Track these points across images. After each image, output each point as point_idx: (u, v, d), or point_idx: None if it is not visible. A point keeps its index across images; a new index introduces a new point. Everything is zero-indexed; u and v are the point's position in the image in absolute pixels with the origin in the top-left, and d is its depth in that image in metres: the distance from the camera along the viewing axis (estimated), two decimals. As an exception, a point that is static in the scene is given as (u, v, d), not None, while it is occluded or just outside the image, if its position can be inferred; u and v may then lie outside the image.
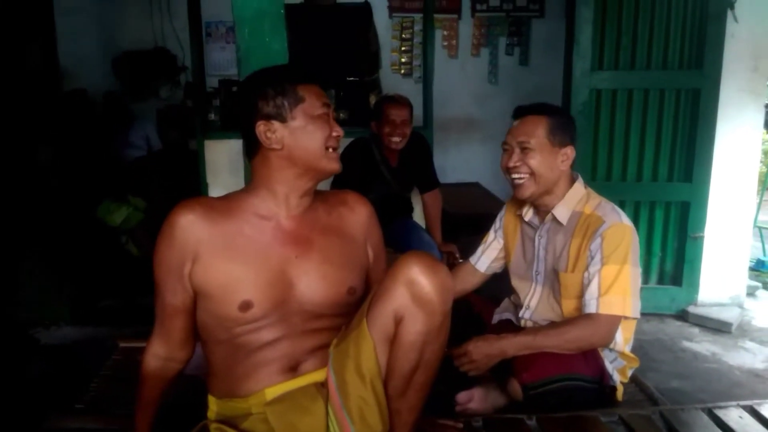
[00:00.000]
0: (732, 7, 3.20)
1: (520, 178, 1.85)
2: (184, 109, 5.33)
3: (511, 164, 1.85)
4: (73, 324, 3.29)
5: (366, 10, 5.57)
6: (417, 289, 1.22)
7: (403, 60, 5.89)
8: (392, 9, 5.78)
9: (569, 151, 1.85)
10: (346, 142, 3.15)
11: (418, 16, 5.44)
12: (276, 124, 1.33)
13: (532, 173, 1.82)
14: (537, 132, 1.82)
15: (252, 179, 1.41)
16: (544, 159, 1.82)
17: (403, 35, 5.82)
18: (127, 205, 4.04)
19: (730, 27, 3.22)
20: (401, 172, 3.11)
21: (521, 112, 1.89)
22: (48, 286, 3.29)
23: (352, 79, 5.01)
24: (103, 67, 5.45)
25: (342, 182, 2.93)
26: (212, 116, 3.97)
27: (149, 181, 4.34)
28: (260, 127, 1.33)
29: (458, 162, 5.77)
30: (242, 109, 1.36)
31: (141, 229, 4.08)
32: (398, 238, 2.97)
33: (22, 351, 2.96)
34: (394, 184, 3.10)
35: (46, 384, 2.52)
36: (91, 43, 5.31)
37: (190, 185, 3.44)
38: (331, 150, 1.38)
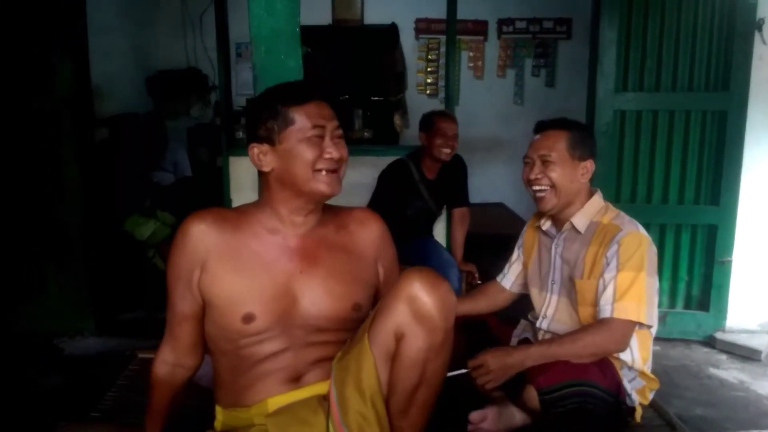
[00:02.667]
0: (760, 29, 3.16)
1: (541, 191, 1.87)
2: (214, 127, 5.43)
3: (533, 176, 1.88)
4: (98, 335, 3.36)
5: (393, 32, 5.65)
6: (417, 306, 1.22)
7: (429, 81, 5.93)
8: (419, 31, 5.85)
9: (589, 165, 1.88)
10: (368, 159, 3.22)
11: (444, 38, 5.46)
12: (266, 147, 1.34)
13: (553, 186, 1.85)
14: (558, 146, 1.85)
15: (260, 195, 1.43)
16: (564, 172, 1.84)
17: (429, 56, 5.87)
18: (154, 219, 4.11)
19: (758, 48, 3.18)
20: (438, 188, 3.19)
21: (542, 127, 1.93)
22: (74, 297, 3.36)
23: (377, 98, 5.08)
24: (136, 86, 5.58)
25: (378, 203, 3.00)
26: (240, 134, 4.05)
27: (179, 201, 4.41)
28: (253, 150, 1.35)
29: (483, 182, 5.74)
30: (245, 130, 1.39)
31: (168, 244, 4.13)
32: (418, 256, 2.99)
33: (45, 360, 3.02)
34: (431, 201, 3.19)
35: (66, 393, 2.57)
36: (124, 63, 5.44)
37: (216, 202, 3.51)
38: (324, 173, 1.33)
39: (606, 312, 1.75)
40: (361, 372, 1.26)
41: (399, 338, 1.24)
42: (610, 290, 1.75)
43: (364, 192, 3.12)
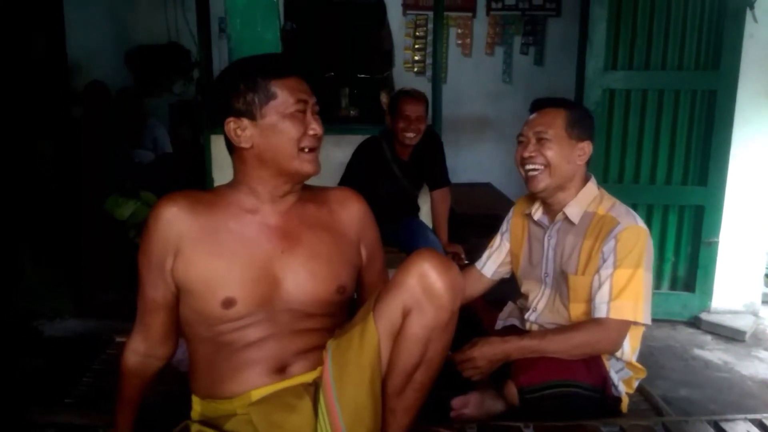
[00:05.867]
0: (751, 7, 3.11)
1: (534, 170, 1.78)
2: (196, 104, 5.33)
3: (527, 154, 1.78)
4: (78, 317, 3.29)
5: (380, 8, 5.53)
6: (428, 282, 1.20)
7: (416, 58, 5.84)
8: (406, 7, 5.74)
9: (586, 147, 1.79)
10: (354, 138, 3.15)
11: (432, 14, 5.37)
12: (246, 122, 1.27)
13: (548, 164, 1.76)
14: (555, 123, 1.77)
15: (234, 175, 1.37)
16: (560, 150, 1.76)
17: (417, 33, 5.77)
18: (135, 199, 4.03)
19: (749, 27, 3.13)
20: (413, 168, 3.10)
21: (540, 105, 1.85)
22: (53, 278, 3.30)
23: (363, 76, 4.99)
24: (116, 61, 5.46)
25: (349, 181, 2.93)
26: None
27: (159, 179, 4.33)
28: (230, 125, 1.28)
29: (470, 162, 5.71)
30: (217, 104, 1.31)
31: (149, 224, 4.06)
32: (404, 237, 2.96)
33: (22, 342, 2.96)
34: (405, 181, 3.09)
35: (44, 376, 2.51)
36: (104, 36, 5.32)
37: (199, 182, 3.44)
38: (306, 150, 1.30)
39: (602, 311, 1.69)
40: (363, 348, 1.22)
41: (406, 314, 1.22)
42: (606, 288, 1.69)
43: (350, 171, 3.04)
